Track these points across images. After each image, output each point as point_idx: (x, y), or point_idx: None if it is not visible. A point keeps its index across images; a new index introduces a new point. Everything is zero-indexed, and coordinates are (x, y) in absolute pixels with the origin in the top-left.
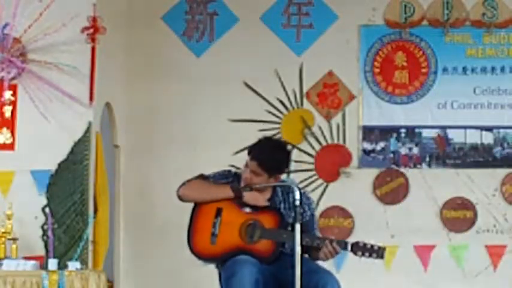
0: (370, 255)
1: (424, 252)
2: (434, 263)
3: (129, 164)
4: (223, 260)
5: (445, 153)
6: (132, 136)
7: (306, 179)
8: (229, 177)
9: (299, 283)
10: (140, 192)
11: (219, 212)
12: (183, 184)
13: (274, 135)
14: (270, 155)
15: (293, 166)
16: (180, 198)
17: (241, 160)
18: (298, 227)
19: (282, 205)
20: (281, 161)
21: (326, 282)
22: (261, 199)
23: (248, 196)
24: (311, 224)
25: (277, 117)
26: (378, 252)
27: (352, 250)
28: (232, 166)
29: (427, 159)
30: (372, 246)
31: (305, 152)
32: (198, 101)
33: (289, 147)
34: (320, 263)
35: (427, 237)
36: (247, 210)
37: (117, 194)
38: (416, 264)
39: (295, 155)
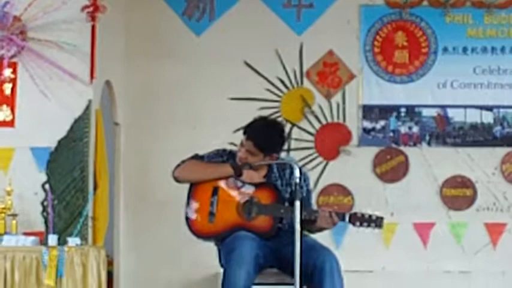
0: (368, 225)
1: (423, 229)
2: (433, 240)
3: (129, 141)
4: (222, 238)
5: (445, 132)
6: (132, 114)
7: (305, 157)
8: (224, 156)
9: (299, 260)
10: (140, 169)
11: (215, 191)
12: (178, 165)
13: (274, 113)
14: (265, 134)
15: (293, 144)
16: (177, 179)
17: (241, 138)
18: (297, 204)
19: (279, 182)
20: (276, 141)
21: (325, 259)
22: (256, 176)
23: (244, 174)
24: (307, 199)
25: (277, 96)
26: (376, 222)
27: (350, 221)
28: (232, 144)
29: (427, 138)
30: (370, 216)
31: (305, 131)
32: (198, 80)
33: (284, 126)
34: (319, 237)
35: (426, 215)
36: (244, 187)
37: (117, 171)
38: (415, 242)
39: (295, 133)
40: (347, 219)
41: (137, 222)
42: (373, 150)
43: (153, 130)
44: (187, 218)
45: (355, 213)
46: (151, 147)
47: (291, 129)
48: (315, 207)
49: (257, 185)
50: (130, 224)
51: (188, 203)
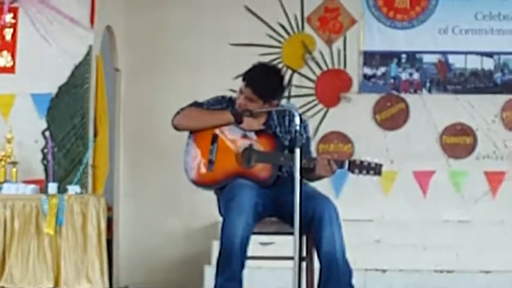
0: (367, 173)
1: (423, 177)
2: (433, 188)
3: (130, 87)
4: (221, 186)
5: (446, 79)
6: (132, 59)
7: (306, 104)
8: (224, 103)
9: (298, 209)
10: (140, 115)
11: (214, 139)
12: (178, 113)
13: (275, 59)
14: (265, 81)
15: (293, 91)
16: (176, 127)
17: (241, 85)
18: (297, 151)
19: (278, 129)
20: (275, 87)
21: (323, 208)
22: (255, 124)
23: (244, 122)
24: (307, 147)
25: (278, 41)
26: (375, 169)
27: (349, 168)
28: (232, 91)
29: (428, 84)
30: (369, 163)
31: (305, 77)
32: (198, 25)
33: (284, 72)
34: (318, 186)
35: (426, 163)
36: (243, 134)
37: (118, 118)
38: (415, 190)
39: (295, 79)
40: (346, 166)
41: (137, 170)
42: (374, 97)
43: (154, 76)
44: (186, 167)
45: (354, 160)
46: (152, 94)
47: (291, 75)
48: (314, 155)
49: (257, 132)
50: (130, 171)
51: (187, 151)
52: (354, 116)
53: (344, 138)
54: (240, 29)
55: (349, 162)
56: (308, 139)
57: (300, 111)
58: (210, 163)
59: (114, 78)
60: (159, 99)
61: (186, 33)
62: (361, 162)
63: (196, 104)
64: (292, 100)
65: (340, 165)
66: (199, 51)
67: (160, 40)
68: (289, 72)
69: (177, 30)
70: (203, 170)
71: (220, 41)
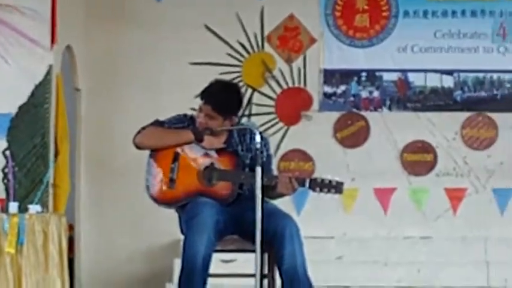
0: (328, 191)
1: (384, 195)
2: (394, 205)
3: (90, 107)
4: (183, 205)
5: (406, 97)
6: (93, 79)
7: (266, 122)
8: (185, 122)
9: (260, 227)
10: (101, 135)
11: (176, 157)
12: (139, 132)
13: (235, 78)
14: (223, 96)
15: (254, 109)
16: (138, 146)
17: (199, 103)
18: (259, 170)
19: (239, 147)
20: (234, 101)
21: (285, 225)
22: (216, 142)
23: (204, 140)
24: (267, 164)
25: (239, 60)
26: (336, 187)
27: (310, 186)
28: (193, 109)
29: (388, 102)
30: (330, 181)
31: (266, 95)
32: (158, 45)
33: (240, 87)
34: (280, 204)
35: (387, 181)
36: (204, 153)
37: (78, 138)
38: (376, 207)
39: (256, 98)
40: (307, 184)
41: (98, 189)
42: (334, 115)
43: (114, 96)
44: (147, 185)
45: (315, 179)
46: (112, 114)
47: (252, 94)
48: (275, 173)
49: (217, 151)
50: (92, 190)
51: (148, 170)
52: (314, 134)
53: (305, 156)
54: (200, 48)
55: (310, 181)
56: (269, 157)
57: (261, 129)
58: (172, 181)
59: (75, 98)
60: (120, 118)
61: (146, 53)
62: (322, 180)
63: (157, 123)
64: (253, 118)
65: (302, 183)
66: (159, 70)
67: (120, 59)
68: (250, 90)
69: (137, 49)
70: (164, 188)
71: (180, 60)
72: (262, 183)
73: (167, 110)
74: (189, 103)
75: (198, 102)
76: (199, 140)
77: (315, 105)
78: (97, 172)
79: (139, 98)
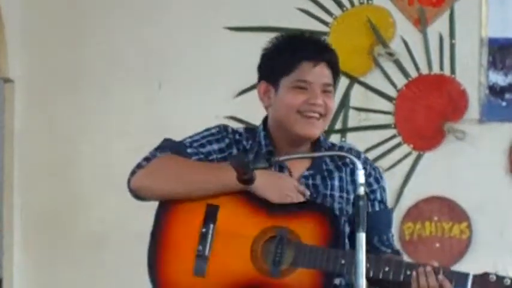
0: None
1: None
2: None
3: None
4: None
5: None
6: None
7: (378, 145)
8: (224, 141)
9: None
10: (48, 164)
11: (211, 214)
12: (140, 166)
13: None
14: (334, 52)
15: (353, 118)
16: (136, 193)
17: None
18: (362, 237)
19: (337, 192)
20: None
21: None
22: (293, 186)
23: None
24: (384, 221)
25: (322, 22)
26: None
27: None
28: (232, 118)
29: None
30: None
31: (377, 92)
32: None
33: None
34: None
35: None
36: (267, 206)
37: (8, 168)
38: None
39: (356, 96)
40: (469, 284)
41: (42, 262)
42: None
43: (62, 89)
44: (152, 266)
45: (487, 275)
46: (70, 122)
47: (348, 88)
48: (394, 241)
49: (297, 206)
50: (29, 262)
51: (154, 236)
52: (473, 165)
53: (454, 211)
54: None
55: (476, 278)
56: (385, 205)
57: (368, 157)
58: (201, 259)
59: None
60: (84, 133)
61: None
62: (501, 279)
63: (172, 147)
64: (351, 137)
65: (461, 281)
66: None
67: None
68: (345, 81)
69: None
70: (186, 272)
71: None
72: (372, 269)
73: (178, 121)
74: (222, 105)
75: (239, 104)
76: (247, 181)
77: (474, 110)
78: (40, 230)
79: (124, 93)
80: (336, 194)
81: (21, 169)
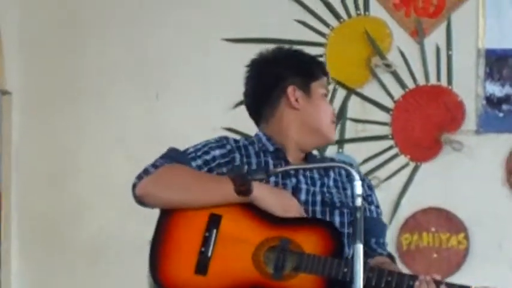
0: None
1: None
2: None
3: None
4: None
5: None
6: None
7: (376, 155)
8: (226, 150)
9: None
10: (48, 175)
11: (215, 221)
12: (147, 172)
13: None
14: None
15: (350, 129)
16: (141, 199)
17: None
18: (359, 248)
19: (337, 198)
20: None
21: None
22: (292, 202)
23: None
24: (380, 226)
25: (319, 33)
26: None
27: None
28: (229, 130)
29: None
30: None
31: (374, 103)
32: None
33: None
34: None
35: None
36: (270, 219)
37: (6, 181)
38: None
39: (353, 107)
40: None
41: (40, 271)
42: (509, 141)
43: (60, 100)
44: (152, 265)
45: None
46: (68, 133)
47: (345, 99)
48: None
49: (300, 220)
50: (27, 271)
51: (155, 240)
52: (470, 176)
53: (451, 221)
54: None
55: None
56: (378, 214)
57: (363, 169)
58: (202, 260)
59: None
60: (83, 143)
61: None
62: None
63: (179, 156)
64: (348, 148)
65: None
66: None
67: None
68: (342, 92)
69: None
70: (188, 271)
71: (209, 36)
72: (370, 276)
73: (175, 131)
74: (220, 116)
75: (237, 115)
76: (245, 192)
77: (471, 121)
78: (39, 242)
79: (123, 106)
80: (333, 190)
81: (19, 180)
